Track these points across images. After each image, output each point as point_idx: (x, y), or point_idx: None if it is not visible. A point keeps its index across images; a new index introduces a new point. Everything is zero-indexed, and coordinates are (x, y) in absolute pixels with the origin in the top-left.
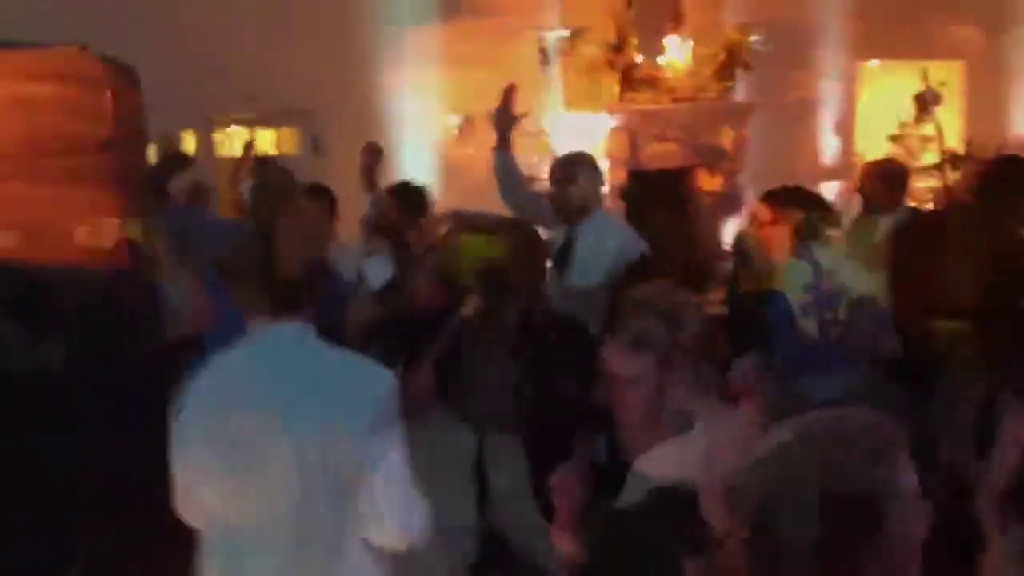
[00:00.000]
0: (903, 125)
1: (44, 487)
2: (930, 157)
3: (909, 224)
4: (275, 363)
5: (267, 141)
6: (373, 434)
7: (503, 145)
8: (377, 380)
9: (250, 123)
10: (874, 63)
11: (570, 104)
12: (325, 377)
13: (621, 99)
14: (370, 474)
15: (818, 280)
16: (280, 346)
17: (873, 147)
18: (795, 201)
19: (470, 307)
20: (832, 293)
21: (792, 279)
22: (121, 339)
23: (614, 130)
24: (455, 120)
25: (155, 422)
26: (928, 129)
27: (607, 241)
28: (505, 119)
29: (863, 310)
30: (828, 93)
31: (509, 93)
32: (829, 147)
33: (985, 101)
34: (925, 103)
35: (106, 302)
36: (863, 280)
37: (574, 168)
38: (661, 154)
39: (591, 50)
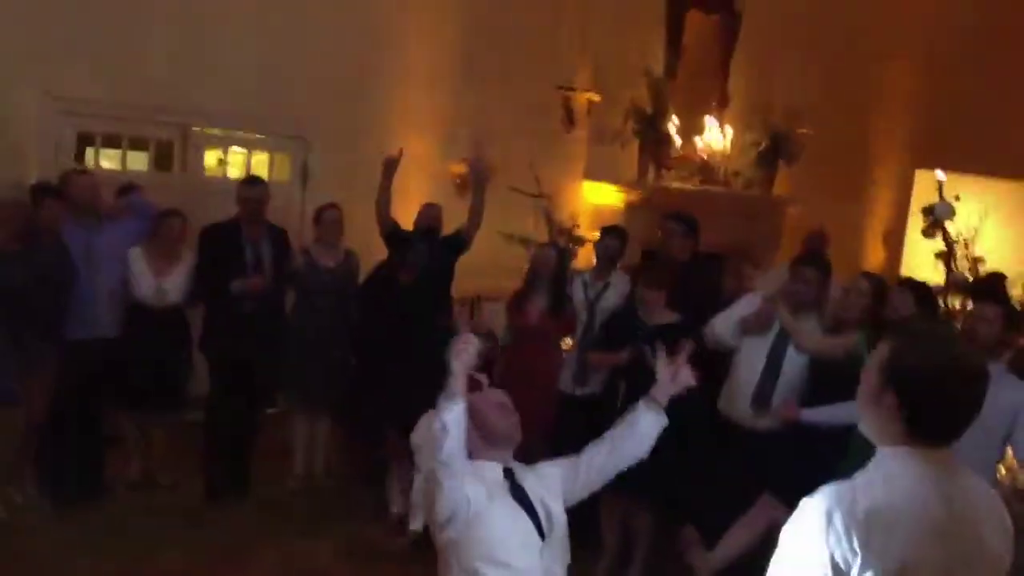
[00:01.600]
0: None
1: None
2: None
3: None
4: None
5: (262, 165)
6: None
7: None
8: None
9: (248, 146)
10: (939, 174)
11: (590, 173)
12: None
13: (647, 176)
14: None
15: None
16: None
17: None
18: None
19: None
20: None
21: None
22: None
23: (633, 206)
24: (458, 169)
25: None
26: (938, 246)
27: None
28: (390, 167)
29: None
30: (878, 199)
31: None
32: (874, 255)
33: None
34: (934, 217)
35: None
36: None
37: None
38: (671, 230)
39: (620, 119)
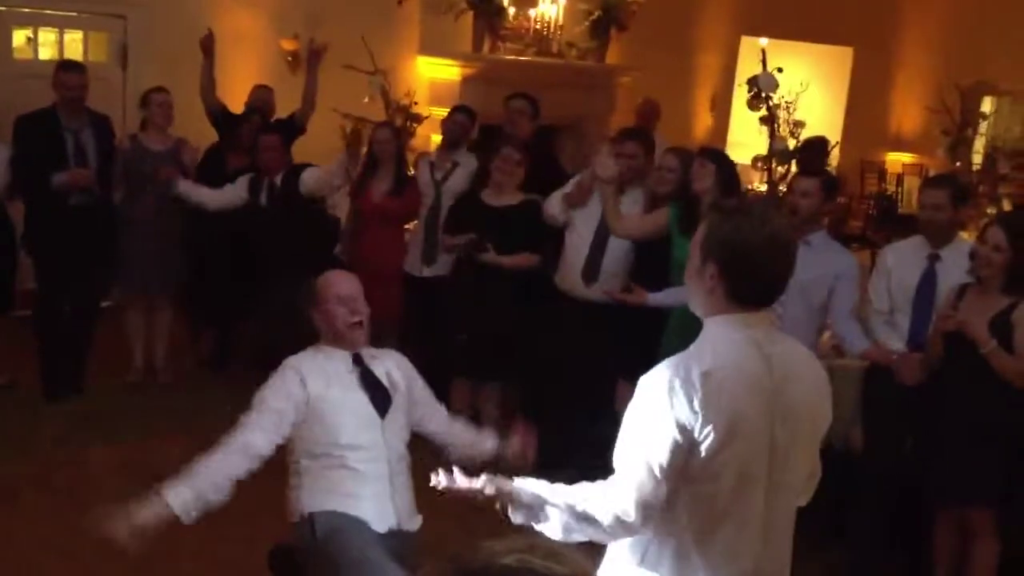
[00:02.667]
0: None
1: None
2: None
3: None
4: None
5: (76, 45)
6: None
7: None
8: None
9: (59, 24)
10: (762, 40)
11: (424, 47)
12: None
13: (483, 48)
14: None
15: None
16: None
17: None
18: None
19: None
20: None
21: None
22: None
23: (469, 80)
24: (290, 46)
25: None
26: (761, 113)
27: None
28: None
29: None
30: (706, 66)
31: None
32: (701, 121)
33: (870, 90)
34: (758, 88)
35: None
36: None
37: None
38: (518, 110)
39: None
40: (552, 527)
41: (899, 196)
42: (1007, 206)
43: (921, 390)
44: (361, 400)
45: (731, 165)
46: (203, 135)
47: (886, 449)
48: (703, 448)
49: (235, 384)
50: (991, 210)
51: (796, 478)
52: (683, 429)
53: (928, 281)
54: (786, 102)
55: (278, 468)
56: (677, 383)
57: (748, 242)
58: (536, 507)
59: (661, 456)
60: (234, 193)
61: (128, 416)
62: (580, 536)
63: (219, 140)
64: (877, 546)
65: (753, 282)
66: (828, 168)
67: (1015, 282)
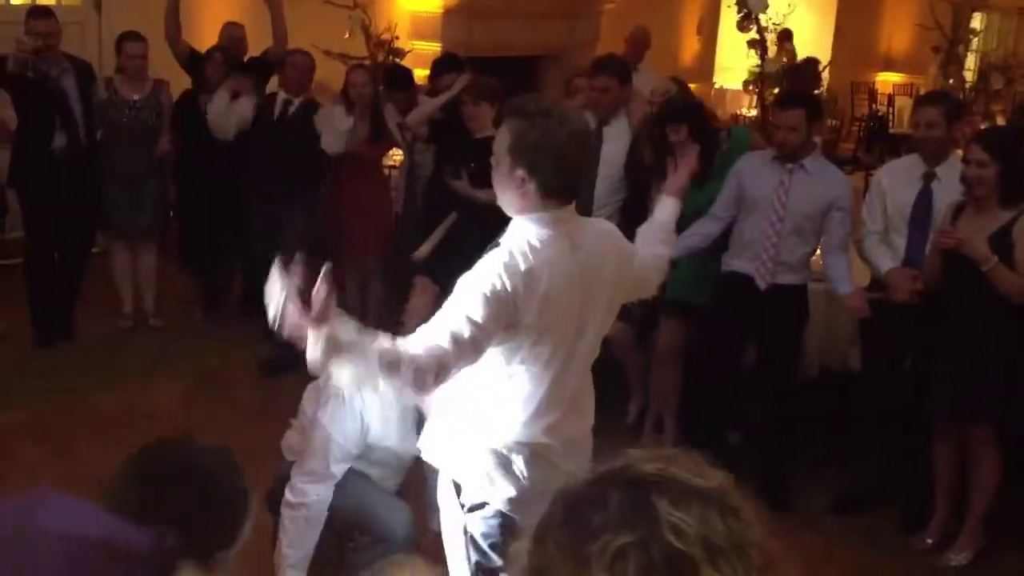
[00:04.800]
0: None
1: None
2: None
3: None
4: None
5: None
6: None
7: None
8: None
9: None
10: None
11: None
12: None
13: None
14: None
15: None
16: None
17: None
18: None
19: None
20: None
21: None
22: None
23: (451, 12)
24: None
25: None
26: (751, 35)
27: None
28: None
29: None
30: None
31: None
32: (688, 47)
33: (858, 9)
34: (748, 10)
35: None
36: None
37: None
38: (503, 42)
39: None
40: (368, 362)
41: (890, 117)
42: (1001, 121)
43: (919, 309)
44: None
45: (700, 115)
46: (183, 77)
47: (884, 369)
48: (521, 324)
49: (227, 326)
50: (985, 126)
51: (596, 345)
52: (504, 303)
53: (924, 200)
54: (774, 24)
55: (267, 412)
56: (504, 272)
57: (555, 142)
58: (354, 342)
59: (479, 313)
60: (244, 107)
61: (120, 361)
62: (388, 377)
63: (192, 84)
64: (876, 469)
65: (562, 178)
66: (819, 91)
67: (1009, 193)
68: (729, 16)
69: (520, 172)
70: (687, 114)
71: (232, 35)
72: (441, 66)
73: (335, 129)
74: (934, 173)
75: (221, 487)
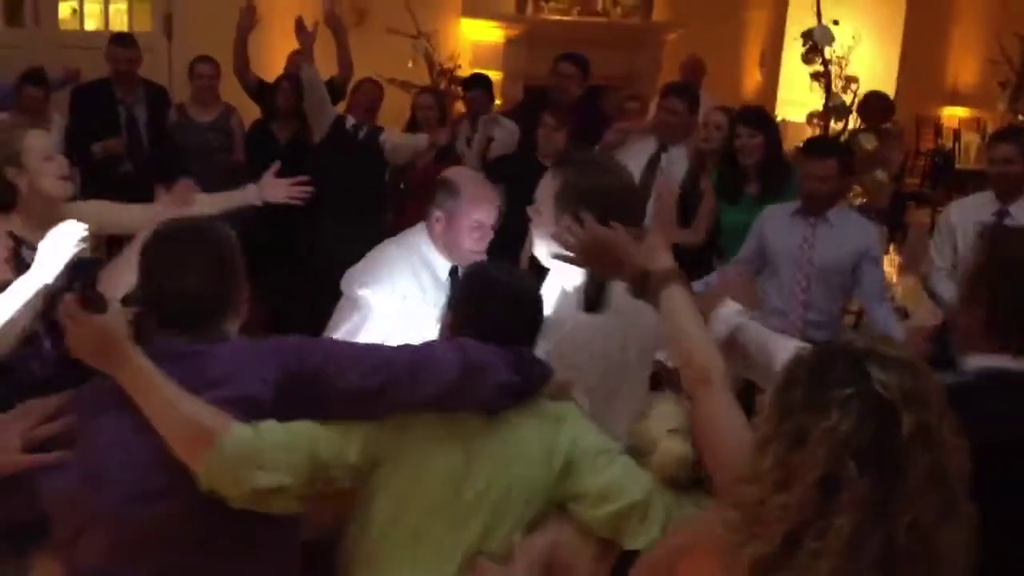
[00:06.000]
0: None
1: None
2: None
3: None
4: None
5: (121, 15)
6: None
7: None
8: None
9: None
10: None
11: (467, 9)
12: None
13: (526, 9)
14: None
15: None
16: None
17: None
18: None
19: None
20: None
21: None
22: None
23: (513, 41)
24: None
25: None
26: (815, 68)
27: None
28: (303, 36)
29: None
30: (755, 21)
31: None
32: (751, 78)
33: (925, 42)
34: (813, 42)
35: None
36: None
37: None
38: (567, 74)
39: None
40: None
41: (956, 152)
42: None
43: None
44: None
45: (776, 130)
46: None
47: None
48: None
49: None
50: None
51: None
52: None
53: None
54: (838, 56)
55: None
56: None
57: (612, 190)
58: None
59: None
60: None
61: None
62: None
63: (262, 113)
64: None
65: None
66: (890, 125)
67: None
68: (792, 50)
69: (567, 220)
70: (765, 123)
71: (299, 62)
72: (469, 86)
73: (404, 143)
74: (1007, 211)
75: None
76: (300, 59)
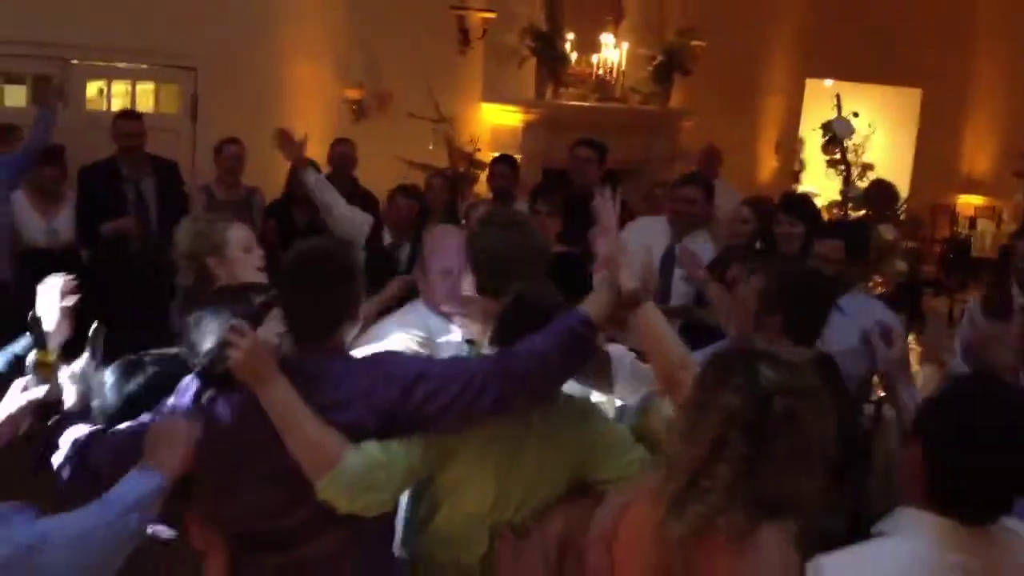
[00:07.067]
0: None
1: None
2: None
3: None
4: None
5: (148, 96)
6: None
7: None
8: None
9: (131, 77)
10: (827, 82)
11: (487, 94)
12: None
13: (545, 94)
14: None
15: None
16: None
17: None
18: None
19: None
20: None
21: None
22: None
23: (531, 125)
24: (354, 95)
25: None
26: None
27: None
28: (290, 150)
29: None
30: (771, 109)
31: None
32: (766, 165)
33: (939, 131)
34: (833, 133)
35: None
36: None
37: None
38: (584, 158)
39: (516, 38)
40: None
41: (972, 240)
42: None
43: None
44: None
45: (818, 216)
46: (277, 185)
47: None
48: None
49: None
50: None
51: None
52: None
53: None
54: (854, 144)
55: None
56: None
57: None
58: None
59: None
60: (363, 218)
61: None
62: None
63: (285, 193)
64: None
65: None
66: (898, 214)
67: None
68: (811, 139)
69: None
70: (808, 214)
71: (343, 152)
72: (495, 162)
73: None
74: None
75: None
76: (298, 169)
